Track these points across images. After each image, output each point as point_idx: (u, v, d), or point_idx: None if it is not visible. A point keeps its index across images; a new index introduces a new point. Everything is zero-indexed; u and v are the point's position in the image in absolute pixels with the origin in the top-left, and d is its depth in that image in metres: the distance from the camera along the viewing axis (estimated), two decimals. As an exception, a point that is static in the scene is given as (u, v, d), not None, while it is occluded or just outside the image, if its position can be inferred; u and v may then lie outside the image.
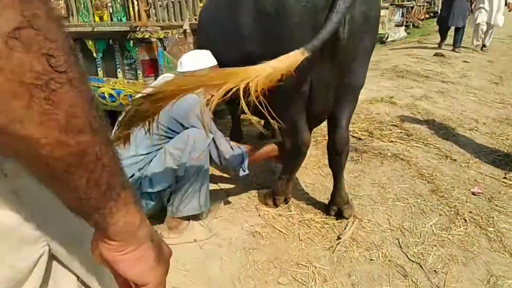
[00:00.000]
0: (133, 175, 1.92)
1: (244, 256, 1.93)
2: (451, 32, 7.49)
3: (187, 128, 1.91)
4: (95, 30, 3.53)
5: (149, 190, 1.92)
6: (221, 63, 2.04)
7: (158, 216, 2.09)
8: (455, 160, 3.02)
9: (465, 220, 2.26)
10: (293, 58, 1.44)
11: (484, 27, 6.94)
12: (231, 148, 2.08)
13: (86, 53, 3.70)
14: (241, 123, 3.42)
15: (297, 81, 1.80)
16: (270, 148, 2.26)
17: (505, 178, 2.78)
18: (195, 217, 2.10)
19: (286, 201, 2.35)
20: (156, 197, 1.97)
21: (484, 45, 7.42)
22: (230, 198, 2.44)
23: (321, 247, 2.01)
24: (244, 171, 2.12)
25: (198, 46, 2.63)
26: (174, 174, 1.90)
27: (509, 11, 6.94)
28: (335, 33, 1.62)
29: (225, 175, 2.78)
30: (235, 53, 1.93)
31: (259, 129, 3.58)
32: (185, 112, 1.88)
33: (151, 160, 1.93)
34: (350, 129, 3.53)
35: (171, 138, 1.93)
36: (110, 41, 3.48)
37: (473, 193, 2.56)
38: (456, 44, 7.25)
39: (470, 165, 2.95)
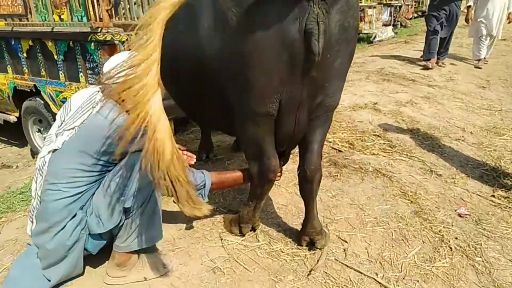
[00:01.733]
0: (75, 215, 1.65)
1: (199, 299, 1.69)
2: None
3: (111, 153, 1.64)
4: (54, 30, 3.22)
5: (99, 231, 1.66)
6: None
7: (108, 250, 1.82)
8: (440, 175, 2.81)
9: (451, 248, 2.05)
10: None
11: (487, 40, 6.25)
12: (191, 172, 1.83)
13: (47, 54, 3.39)
14: (212, 133, 3.16)
15: (262, 101, 1.56)
16: (238, 175, 2.01)
17: (493, 196, 2.59)
18: (147, 250, 1.83)
19: (253, 229, 2.10)
20: (106, 234, 1.71)
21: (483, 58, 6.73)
22: (192, 225, 2.18)
23: (289, 286, 1.77)
24: (204, 199, 1.87)
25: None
26: (122, 205, 1.64)
27: (509, 22, 6.31)
28: (308, 47, 1.37)
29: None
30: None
31: (231, 140, 3.33)
32: (104, 137, 1.62)
33: (93, 195, 1.67)
34: (330, 139, 3.33)
35: (107, 167, 1.66)
36: (71, 42, 3.19)
37: (459, 215, 2.36)
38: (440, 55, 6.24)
39: (456, 181, 2.75)
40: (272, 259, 1.93)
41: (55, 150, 1.67)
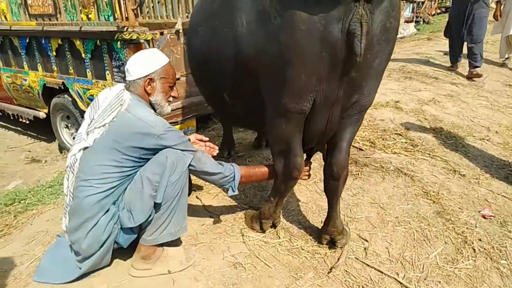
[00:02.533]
0: (108, 210, 1.72)
1: (221, 293, 1.73)
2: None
3: (146, 150, 1.71)
4: (82, 29, 3.32)
5: (130, 225, 1.72)
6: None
7: (133, 243, 1.88)
8: (464, 175, 2.77)
9: (474, 250, 2.03)
10: None
11: None
12: (220, 165, 1.89)
13: (75, 53, 3.51)
14: (233, 131, 3.20)
15: (298, 99, 1.58)
16: (265, 170, 2.04)
17: (519, 197, 2.53)
18: (171, 244, 1.89)
19: (274, 225, 2.13)
20: (137, 228, 1.78)
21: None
22: (214, 220, 2.23)
23: (310, 284, 1.79)
24: (234, 191, 1.92)
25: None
26: (154, 201, 1.70)
27: None
28: (350, 47, 1.39)
29: (210, 192, 2.56)
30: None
31: (252, 138, 3.37)
32: (134, 134, 1.69)
33: (125, 190, 1.74)
34: (351, 138, 3.31)
35: (138, 163, 1.72)
36: (98, 41, 3.28)
37: (483, 216, 2.32)
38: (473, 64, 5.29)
39: (481, 182, 2.70)
40: (293, 256, 1.96)
41: (86, 148, 1.74)
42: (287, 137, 1.74)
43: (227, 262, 1.90)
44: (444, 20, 12.67)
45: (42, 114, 4.23)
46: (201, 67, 2.22)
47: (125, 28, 2.97)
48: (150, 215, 1.72)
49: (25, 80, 4.13)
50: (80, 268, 1.78)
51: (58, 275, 1.80)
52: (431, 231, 2.16)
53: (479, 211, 2.36)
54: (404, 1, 10.67)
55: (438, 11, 14.58)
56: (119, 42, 3.09)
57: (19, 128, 5.21)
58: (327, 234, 1.97)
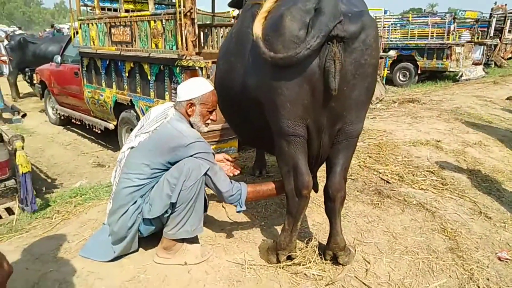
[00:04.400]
0: (136, 201, 2.08)
1: (226, 287, 1.97)
2: None
3: (176, 156, 2.03)
4: (151, 55, 3.90)
5: (148, 216, 2.07)
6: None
7: (159, 236, 2.22)
8: (490, 217, 2.74)
9: (478, 287, 2.05)
10: None
11: None
12: (230, 182, 2.13)
13: (143, 75, 4.10)
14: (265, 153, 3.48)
15: (291, 124, 1.85)
16: (272, 187, 2.24)
17: (546, 246, 2.46)
18: (191, 241, 2.19)
19: (290, 258, 2.15)
20: (155, 220, 2.11)
21: None
22: (232, 227, 2.50)
23: (306, 291, 1.97)
24: (241, 207, 2.14)
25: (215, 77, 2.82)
26: (169, 200, 2.02)
27: None
28: (326, 82, 1.65)
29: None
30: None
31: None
32: (169, 141, 2.03)
33: (152, 187, 2.09)
34: (381, 170, 3.43)
35: (166, 167, 2.07)
36: (162, 66, 3.83)
37: (499, 258, 2.31)
38: None
39: (507, 226, 2.66)
40: (298, 266, 2.14)
41: (132, 147, 2.15)
42: (292, 158, 1.94)
43: (236, 263, 2.14)
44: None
45: (111, 126, 4.90)
46: (222, 95, 2.50)
47: (184, 56, 3.47)
48: (166, 212, 2.04)
49: (102, 95, 4.84)
50: (114, 252, 2.14)
51: (98, 254, 2.18)
52: (438, 264, 2.21)
53: (496, 253, 2.35)
54: (473, 43, 10.39)
55: (514, 54, 13.83)
56: (178, 68, 3.59)
57: (92, 137, 6.00)
58: (330, 250, 2.13)
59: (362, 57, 1.68)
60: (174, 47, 3.63)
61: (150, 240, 2.23)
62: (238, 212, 2.18)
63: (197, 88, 2.18)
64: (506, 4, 13.03)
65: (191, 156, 2.02)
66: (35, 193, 3.00)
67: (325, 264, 2.18)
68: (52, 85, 6.33)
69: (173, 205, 2.03)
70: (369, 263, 2.20)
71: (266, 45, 1.73)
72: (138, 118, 4.26)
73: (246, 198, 2.16)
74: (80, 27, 4.97)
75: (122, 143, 4.76)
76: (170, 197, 1.99)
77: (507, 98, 6.34)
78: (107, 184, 3.60)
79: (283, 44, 1.69)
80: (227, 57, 2.38)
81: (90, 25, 4.74)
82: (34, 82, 7.21)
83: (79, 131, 6.38)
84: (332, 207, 2.05)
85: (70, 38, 5.72)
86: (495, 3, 13.11)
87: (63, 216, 2.79)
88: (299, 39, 1.66)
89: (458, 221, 2.67)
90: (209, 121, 2.27)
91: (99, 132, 5.26)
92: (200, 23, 5.73)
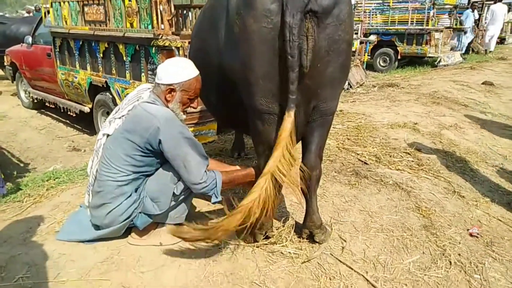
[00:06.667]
0: (130, 195, 1.97)
1: (202, 267, 1.95)
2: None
3: (149, 140, 1.90)
4: (125, 35, 3.77)
5: (156, 213, 2.01)
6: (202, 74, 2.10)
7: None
8: (463, 196, 2.80)
9: (450, 263, 2.09)
10: (286, 127, 1.66)
11: None
12: (205, 172, 1.95)
13: (118, 56, 3.97)
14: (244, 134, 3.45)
15: (264, 101, 1.81)
16: (246, 172, 2.14)
17: (515, 222, 2.54)
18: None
19: (267, 237, 2.15)
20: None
21: None
22: (209, 207, 2.47)
23: (282, 269, 1.97)
24: (217, 197, 1.98)
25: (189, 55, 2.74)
26: (173, 191, 1.99)
27: None
28: (298, 59, 1.61)
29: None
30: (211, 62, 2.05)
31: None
32: (140, 132, 1.90)
33: (145, 180, 2.02)
34: (359, 152, 3.45)
35: (147, 156, 1.97)
36: (137, 46, 3.71)
37: (470, 234, 2.37)
38: None
39: (479, 204, 2.72)
40: (275, 244, 2.14)
41: (108, 135, 2.04)
42: (267, 137, 1.92)
43: (213, 244, 2.11)
44: (496, 51, 12.28)
45: (86, 109, 4.75)
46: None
47: (160, 35, 3.36)
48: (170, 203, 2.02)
49: (76, 77, 4.68)
50: (98, 233, 2.07)
51: (77, 233, 2.11)
52: (412, 241, 2.25)
53: (468, 230, 2.41)
54: (451, 29, 10.53)
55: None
56: (154, 48, 3.49)
57: (67, 121, 5.83)
58: (306, 228, 2.14)
59: (335, 33, 1.65)
60: (150, 27, 3.51)
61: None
62: (214, 203, 2.05)
63: (180, 72, 1.98)
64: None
65: (164, 140, 1.88)
66: (3, 176, 2.89)
67: (302, 242, 2.19)
68: (23, 67, 6.08)
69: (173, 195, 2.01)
70: (345, 241, 2.22)
71: (239, 19, 1.68)
72: (114, 101, 4.14)
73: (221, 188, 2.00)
74: (52, 6, 4.76)
75: (98, 126, 4.64)
76: (175, 188, 1.98)
77: (483, 83, 6.47)
78: (81, 168, 3.51)
79: (254, 19, 1.64)
80: (200, 34, 2.31)
81: (62, 3, 4.54)
82: (5, 64, 6.91)
83: (54, 115, 6.18)
84: (308, 186, 2.04)
85: (41, 18, 5.49)
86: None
87: (35, 200, 2.70)
88: (271, 12, 1.61)
89: (433, 200, 2.72)
90: (189, 109, 2.12)
91: (74, 115, 5.09)
92: (179, 4, 5.57)
